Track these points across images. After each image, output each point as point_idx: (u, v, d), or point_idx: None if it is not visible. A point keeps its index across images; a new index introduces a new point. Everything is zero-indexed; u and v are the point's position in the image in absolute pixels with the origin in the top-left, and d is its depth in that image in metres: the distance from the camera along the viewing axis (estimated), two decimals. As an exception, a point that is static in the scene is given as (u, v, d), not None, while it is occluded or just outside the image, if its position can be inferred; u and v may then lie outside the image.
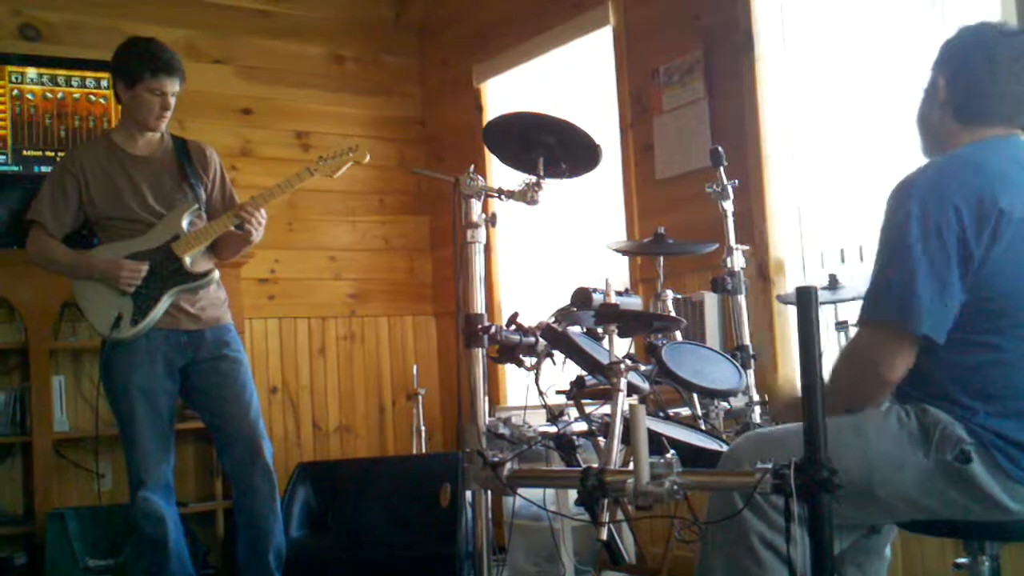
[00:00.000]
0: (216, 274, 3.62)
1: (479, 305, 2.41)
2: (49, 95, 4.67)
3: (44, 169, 4.49)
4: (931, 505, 2.02)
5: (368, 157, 3.72)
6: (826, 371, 2.15)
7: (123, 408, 3.49)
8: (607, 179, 4.54)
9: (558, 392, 2.60)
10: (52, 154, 4.60)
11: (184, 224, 3.56)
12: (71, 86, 4.71)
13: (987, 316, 1.99)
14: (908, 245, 1.98)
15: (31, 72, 4.65)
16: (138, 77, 3.48)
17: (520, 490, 2.30)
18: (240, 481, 3.59)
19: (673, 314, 3.12)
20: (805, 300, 1.74)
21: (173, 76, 3.51)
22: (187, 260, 3.54)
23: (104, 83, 4.68)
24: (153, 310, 3.48)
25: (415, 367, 5.43)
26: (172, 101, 3.54)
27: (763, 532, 2.03)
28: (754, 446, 2.16)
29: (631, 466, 1.94)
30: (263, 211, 3.57)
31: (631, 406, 1.95)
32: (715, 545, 2.13)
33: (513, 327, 2.46)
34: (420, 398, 5.14)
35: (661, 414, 2.81)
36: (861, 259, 3.60)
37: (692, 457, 2.28)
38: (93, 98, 4.74)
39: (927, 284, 1.96)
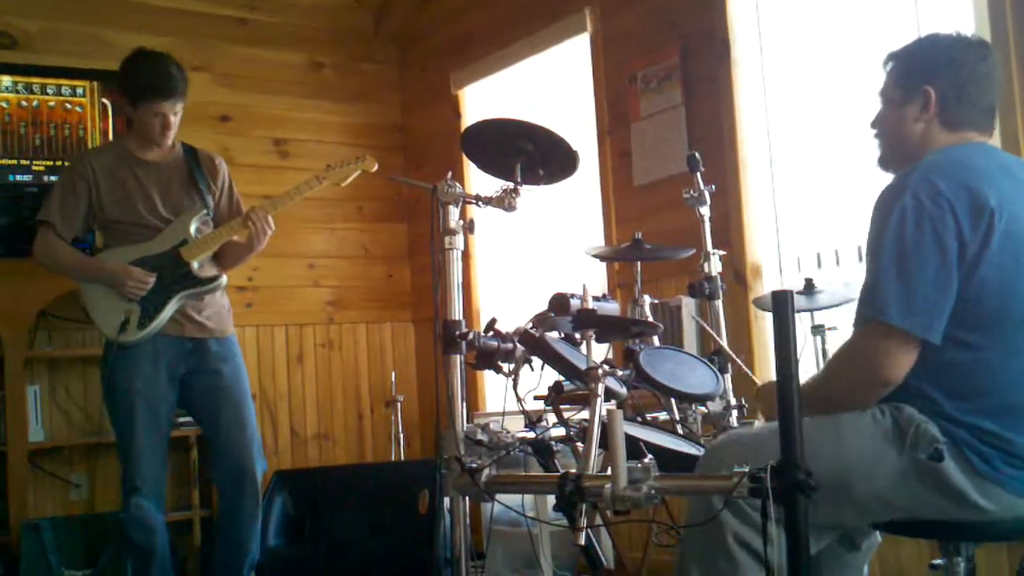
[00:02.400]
0: (224, 280, 3.61)
1: (457, 311, 2.41)
2: (24, 103, 4.64)
3: (19, 178, 4.46)
4: (905, 504, 2.03)
5: (376, 166, 3.73)
6: (813, 373, 2.15)
7: (123, 413, 3.47)
8: (585, 185, 4.55)
9: (536, 398, 2.60)
10: (27, 162, 4.56)
11: (192, 229, 3.56)
12: (47, 94, 4.68)
13: (972, 315, 2.00)
14: (905, 242, 1.97)
15: (6, 80, 4.61)
16: (138, 97, 3.48)
17: (498, 496, 2.30)
18: (227, 496, 3.59)
19: (650, 319, 3.13)
20: (781, 304, 1.75)
21: (172, 99, 3.49)
22: (195, 265, 3.53)
23: (80, 91, 4.66)
24: (161, 314, 3.47)
25: (393, 374, 5.42)
26: (173, 120, 3.54)
27: (739, 531, 2.04)
28: (733, 447, 2.17)
29: (609, 471, 1.94)
30: (271, 219, 3.57)
31: (609, 411, 1.95)
32: (691, 547, 2.14)
33: (491, 333, 2.47)
34: (398, 405, 5.15)
35: (639, 419, 2.82)
36: (837, 263, 3.63)
37: (670, 461, 2.29)
38: (69, 106, 4.70)
39: (929, 285, 1.96)
